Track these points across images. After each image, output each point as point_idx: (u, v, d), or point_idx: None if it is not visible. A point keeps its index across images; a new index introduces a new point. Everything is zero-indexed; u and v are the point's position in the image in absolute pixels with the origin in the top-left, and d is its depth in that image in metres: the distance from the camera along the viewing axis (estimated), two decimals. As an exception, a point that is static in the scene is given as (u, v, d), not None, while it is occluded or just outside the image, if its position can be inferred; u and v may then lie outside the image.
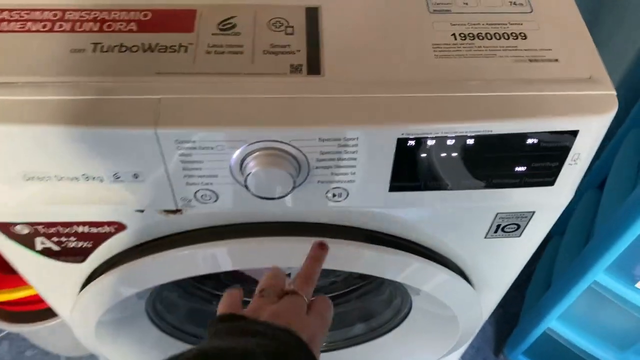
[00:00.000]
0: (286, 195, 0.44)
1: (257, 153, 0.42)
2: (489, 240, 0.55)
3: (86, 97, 0.42)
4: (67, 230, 0.50)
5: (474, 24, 0.47)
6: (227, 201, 0.47)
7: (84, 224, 0.50)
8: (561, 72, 0.44)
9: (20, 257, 0.54)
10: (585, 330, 0.92)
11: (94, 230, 0.50)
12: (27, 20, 0.46)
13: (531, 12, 0.48)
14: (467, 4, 0.49)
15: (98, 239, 0.52)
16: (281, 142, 0.42)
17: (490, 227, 0.53)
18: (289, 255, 0.52)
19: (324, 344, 0.83)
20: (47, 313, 0.98)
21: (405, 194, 0.47)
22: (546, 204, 0.50)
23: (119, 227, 0.50)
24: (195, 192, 0.46)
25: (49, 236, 0.51)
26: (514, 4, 0.49)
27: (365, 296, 0.82)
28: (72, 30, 0.46)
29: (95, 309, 0.58)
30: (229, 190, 0.45)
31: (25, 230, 0.50)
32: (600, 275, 0.77)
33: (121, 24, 0.46)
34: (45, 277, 0.58)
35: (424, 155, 0.44)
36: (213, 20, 0.47)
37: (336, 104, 0.42)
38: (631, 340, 0.88)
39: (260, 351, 0.33)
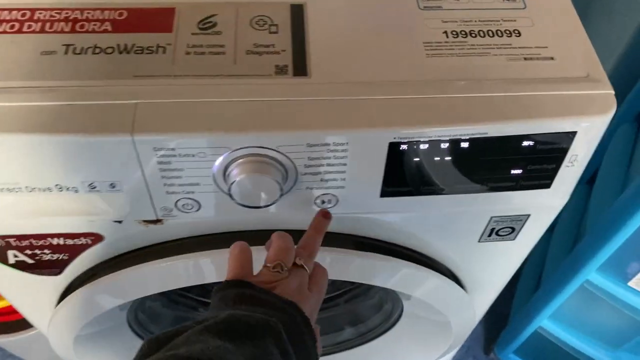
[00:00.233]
0: (273, 203, 0.42)
1: (241, 160, 0.40)
2: (482, 244, 0.53)
3: (57, 103, 0.39)
4: (40, 242, 0.48)
5: (466, 21, 0.45)
6: (210, 210, 0.44)
7: (58, 235, 0.47)
8: (557, 70, 0.43)
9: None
10: (576, 329, 0.91)
11: (70, 242, 0.48)
12: (-8, 21, 0.43)
13: (524, 8, 0.46)
14: (458, 0, 0.47)
15: (74, 251, 0.49)
16: (267, 148, 0.39)
17: (484, 231, 0.51)
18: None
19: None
20: (25, 323, 0.94)
21: (397, 200, 0.45)
22: (542, 207, 0.49)
23: (96, 238, 0.48)
24: (176, 202, 0.43)
25: (21, 249, 0.48)
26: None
27: (354, 300, 0.80)
28: (42, 31, 0.43)
29: (73, 323, 0.55)
30: (211, 198, 0.43)
31: (-4, 244, 0.47)
32: (593, 274, 0.75)
33: (95, 24, 0.44)
34: (19, 290, 0.55)
35: (416, 159, 0.42)
36: (193, 19, 0.44)
37: (324, 106, 0.40)
38: (623, 338, 0.87)
39: (279, 323, 0.34)
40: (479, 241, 0.53)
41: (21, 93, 0.39)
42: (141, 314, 0.69)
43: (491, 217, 0.49)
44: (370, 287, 0.79)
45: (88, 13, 0.44)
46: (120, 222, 0.46)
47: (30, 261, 0.50)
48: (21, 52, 0.41)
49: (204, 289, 0.78)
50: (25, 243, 0.47)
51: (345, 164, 0.41)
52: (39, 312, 0.58)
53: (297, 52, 0.43)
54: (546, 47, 0.44)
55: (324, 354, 0.80)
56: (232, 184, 0.40)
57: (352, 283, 0.81)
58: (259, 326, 0.33)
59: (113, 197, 0.42)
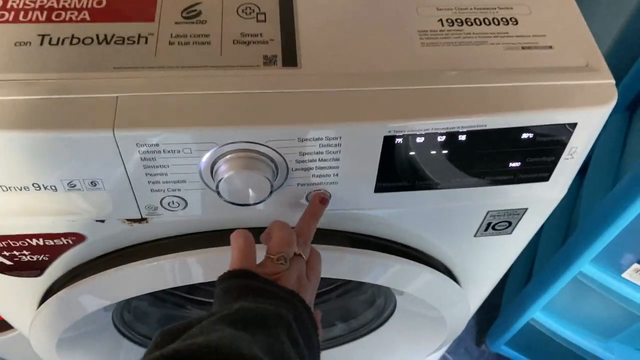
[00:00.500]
0: (263, 201, 0.40)
1: (229, 156, 0.38)
2: (478, 238, 0.52)
3: (33, 97, 0.37)
4: (19, 243, 0.45)
5: (462, 9, 0.44)
6: (197, 208, 0.42)
7: (37, 236, 0.45)
8: (556, 60, 0.41)
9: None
10: (569, 321, 0.91)
11: (50, 242, 0.46)
12: (-38, 10, 0.41)
13: (521, -5, 0.45)
14: (453, -13, 0.45)
15: (55, 252, 0.47)
16: (256, 143, 0.37)
17: (481, 226, 0.50)
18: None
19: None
20: (7, 324, 0.92)
21: (392, 195, 0.43)
22: (539, 200, 0.48)
23: (78, 238, 0.45)
24: (162, 200, 0.41)
25: (-1, 250, 0.46)
26: (503, -14, 0.45)
27: (345, 295, 0.79)
28: (16, 20, 0.41)
29: (55, 326, 0.53)
30: (198, 196, 0.41)
31: (-28, 245, 0.45)
32: (586, 266, 0.75)
33: (72, 13, 0.41)
34: (0, 292, 0.53)
35: (412, 153, 0.40)
36: (176, 7, 0.42)
37: (316, 99, 0.38)
38: (615, 329, 0.87)
39: (290, 315, 0.34)
40: (474, 236, 0.51)
41: (-7, 87, 0.37)
42: (127, 313, 0.67)
43: (488, 212, 0.48)
44: (362, 282, 0.77)
45: (65, 1, 0.42)
46: (102, 221, 0.43)
47: (8, 263, 0.48)
48: (-7, 43, 0.39)
49: (192, 286, 0.77)
50: (2, 244, 0.45)
51: (338, 159, 0.40)
52: (20, 314, 0.56)
53: (287, 42, 0.41)
54: (544, 36, 0.43)
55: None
56: (219, 181, 0.38)
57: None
58: (270, 317, 0.33)
59: (94, 196, 0.40)
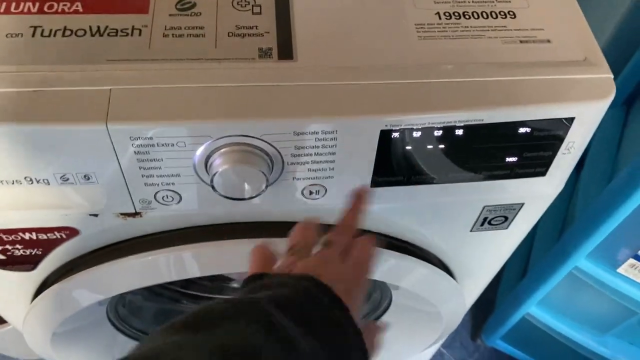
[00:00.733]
0: (258, 195, 0.40)
1: (224, 149, 0.38)
2: (474, 233, 0.52)
3: (25, 90, 0.36)
4: (11, 237, 0.45)
5: (459, 2, 0.43)
6: (191, 202, 0.42)
7: (30, 230, 0.44)
8: (554, 54, 0.41)
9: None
10: (564, 315, 0.91)
11: (43, 236, 0.45)
12: (-48, 0, 0.40)
13: (519, -12, 0.44)
14: (451, -21, 0.44)
15: (48, 246, 0.47)
16: (251, 136, 0.37)
17: (477, 221, 0.50)
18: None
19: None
20: (1, 318, 0.91)
21: (388, 189, 0.43)
22: (536, 195, 0.47)
23: (71, 232, 0.45)
24: (156, 194, 0.41)
25: (-9, 244, 0.46)
26: (501, -21, 0.45)
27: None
28: (7, 11, 0.40)
29: (49, 320, 0.53)
30: (193, 190, 0.41)
31: (-36, 239, 0.45)
32: (582, 261, 0.75)
33: (64, 4, 0.41)
34: (-8, 286, 0.53)
35: (409, 147, 0.40)
36: (170, -1, 0.41)
37: (312, 92, 0.38)
38: (610, 324, 0.87)
39: (267, 299, 0.30)
40: (470, 231, 0.51)
41: (-16, 79, 0.36)
42: (122, 308, 0.67)
43: (484, 207, 0.48)
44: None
45: (57, -8, 0.41)
46: (96, 215, 0.43)
47: (1, 257, 0.47)
48: (-16, 35, 0.38)
49: (187, 281, 0.76)
50: (-6, 238, 0.45)
51: (334, 153, 0.39)
52: (14, 308, 0.56)
53: (282, 34, 0.40)
54: (542, 30, 0.42)
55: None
56: (214, 175, 0.38)
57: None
58: (232, 309, 0.29)
59: (88, 190, 0.40)
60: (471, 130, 0.39)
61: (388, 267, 0.52)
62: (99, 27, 0.40)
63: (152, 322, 0.71)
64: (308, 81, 0.38)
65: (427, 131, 0.39)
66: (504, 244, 0.55)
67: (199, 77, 0.38)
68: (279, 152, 0.39)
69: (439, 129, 0.39)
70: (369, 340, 0.33)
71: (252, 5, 0.42)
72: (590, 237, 0.70)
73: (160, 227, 0.46)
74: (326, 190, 0.43)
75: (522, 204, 0.48)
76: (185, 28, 0.40)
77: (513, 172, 0.44)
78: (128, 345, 0.68)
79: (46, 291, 0.50)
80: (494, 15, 0.43)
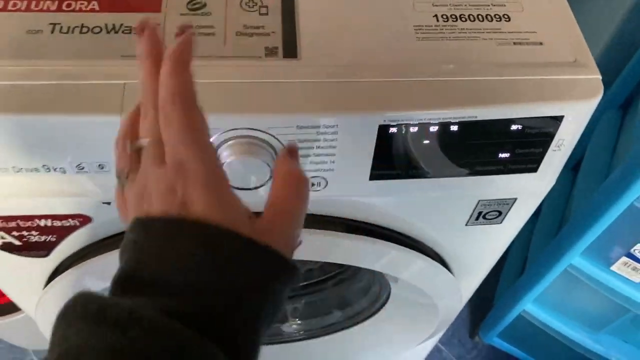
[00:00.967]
0: (263, 185, 0.42)
1: (231, 142, 0.40)
2: (469, 227, 0.54)
3: (44, 82, 0.38)
4: (28, 224, 0.47)
5: (456, 5, 0.45)
6: (199, 192, 0.44)
7: (46, 217, 0.47)
8: (546, 55, 0.43)
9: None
10: (559, 313, 0.93)
11: (57, 223, 0.47)
12: (-23, -2, 0.42)
13: (514, -8, 0.46)
14: (449, -17, 0.47)
15: (62, 233, 0.49)
16: (257, 130, 0.39)
17: (472, 215, 0.52)
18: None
19: (301, 332, 0.82)
20: (12, 307, 0.94)
21: (386, 183, 0.45)
22: (528, 191, 0.49)
23: (84, 219, 0.47)
24: (166, 183, 0.43)
25: (8, 230, 0.48)
26: (497, -16, 0.47)
27: (342, 284, 0.81)
28: (28, 9, 0.42)
29: (62, 305, 0.55)
30: (201, 180, 0.43)
31: (-17, 225, 0.47)
32: (576, 258, 0.77)
33: (82, 3, 0.43)
34: (6, 272, 0.55)
35: (406, 142, 0.42)
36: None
37: (314, 89, 0.40)
38: (604, 321, 0.89)
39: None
40: (466, 225, 0.53)
41: (7, 73, 0.38)
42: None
43: (479, 201, 0.50)
44: (357, 270, 0.79)
45: (75, -8, 0.44)
46: (109, 203, 0.45)
47: (17, 243, 0.50)
48: (6, 31, 0.41)
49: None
50: (12, 224, 0.47)
51: (334, 147, 0.42)
52: (27, 294, 0.58)
53: (287, 34, 0.43)
54: (535, 32, 0.44)
55: (310, 337, 0.81)
56: (222, 164, 0.40)
57: (340, 266, 0.81)
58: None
59: (101, 178, 0.42)
60: (465, 126, 0.41)
61: (389, 258, 0.54)
62: (114, 24, 0.42)
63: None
64: (311, 78, 0.40)
65: (424, 127, 0.41)
66: (498, 238, 0.57)
67: (208, 73, 0.40)
68: (282, 144, 0.41)
69: (434, 125, 0.41)
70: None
71: (259, 6, 0.44)
72: (584, 235, 0.72)
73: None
74: (327, 183, 0.45)
75: (515, 199, 0.50)
76: (195, 27, 0.42)
77: (506, 168, 0.46)
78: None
79: (59, 276, 0.52)
80: (489, 19, 0.45)
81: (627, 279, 0.75)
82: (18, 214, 0.46)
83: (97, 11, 0.43)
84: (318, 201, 0.48)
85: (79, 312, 0.24)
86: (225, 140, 0.40)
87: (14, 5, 0.42)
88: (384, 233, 0.54)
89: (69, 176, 0.42)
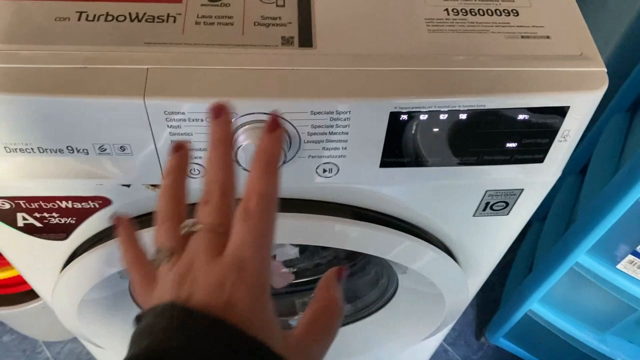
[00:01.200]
0: (277, 169, 0.43)
1: (247, 126, 0.41)
2: (477, 218, 0.55)
3: (71, 66, 0.40)
4: (49, 205, 0.49)
5: (467, 0, 0.47)
6: (215, 176, 0.46)
7: (67, 198, 0.48)
8: (552, 48, 0.44)
9: (1, 234, 0.53)
10: (565, 312, 0.94)
11: (78, 205, 0.49)
12: (8, -13, 0.44)
13: (523, -11, 0.48)
14: (459, -21, 0.48)
15: (82, 215, 0.51)
16: (272, 114, 0.41)
17: (479, 205, 0.53)
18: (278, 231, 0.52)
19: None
20: (25, 297, 0.96)
21: (396, 170, 0.47)
22: (535, 182, 0.51)
23: (104, 202, 0.49)
24: (184, 166, 0.45)
25: (30, 211, 0.50)
26: (506, -20, 0.49)
27: (351, 277, 0.82)
28: (57, -2, 0.44)
29: (78, 288, 0.57)
30: (218, 164, 0.45)
31: (7, 206, 0.49)
32: (582, 256, 0.78)
33: (107, -7, 0.45)
34: (26, 255, 0.57)
35: (416, 130, 0.43)
36: (202, -9, 0.46)
37: (328, 76, 0.41)
38: (610, 321, 0.89)
39: None
40: (473, 215, 0.54)
41: (36, 57, 0.40)
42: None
43: (486, 191, 0.51)
44: (366, 264, 0.81)
45: (101, -18, 0.46)
46: (128, 186, 0.47)
47: (38, 224, 0.51)
48: (37, 18, 0.43)
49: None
50: (34, 205, 0.49)
51: (347, 133, 0.43)
52: (44, 277, 0.60)
53: (303, 25, 0.44)
54: (542, 27, 0.46)
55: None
56: (238, 148, 0.41)
57: (350, 261, 0.83)
58: None
59: (123, 160, 0.44)
60: (474, 115, 0.43)
61: (402, 248, 0.55)
62: (137, 13, 0.44)
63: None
64: (325, 66, 0.42)
65: (433, 115, 0.42)
66: (505, 231, 0.59)
67: (227, 60, 0.42)
68: (297, 130, 0.42)
69: (444, 113, 0.42)
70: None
71: (277, -2, 0.46)
72: (590, 233, 0.73)
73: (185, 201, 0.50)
74: (338, 169, 0.46)
75: (522, 190, 0.51)
76: (215, 17, 0.44)
77: (513, 158, 0.47)
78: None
79: (76, 259, 0.54)
80: (498, 13, 0.46)
81: (633, 277, 0.76)
82: (40, 194, 0.48)
83: (122, 1, 0.45)
84: (329, 188, 0.50)
85: None
86: (242, 125, 0.41)
87: (43, -6, 0.44)
88: (394, 222, 0.55)
89: (91, 157, 0.44)
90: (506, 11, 0.47)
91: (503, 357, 1.17)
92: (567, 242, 0.79)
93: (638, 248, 0.71)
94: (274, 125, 0.31)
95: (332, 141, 0.44)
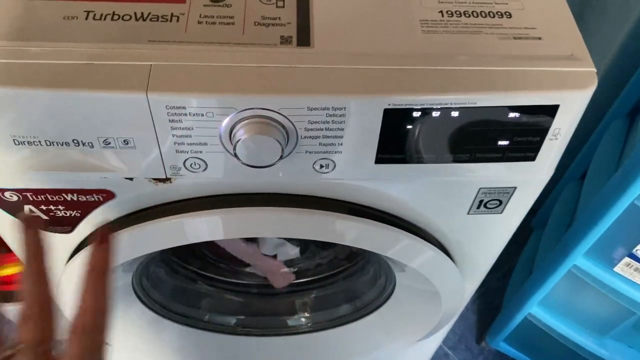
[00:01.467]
0: (274, 163, 0.45)
1: (246, 121, 0.43)
2: (471, 216, 0.56)
3: (77, 62, 0.42)
4: (55, 197, 0.51)
5: (461, 2, 0.48)
6: (216, 170, 0.47)
7: (72, 191, 0.50)
8: (544, 49, 0.46)
9: (8, 226, 0.55)
10: (565, 316, 0.94)
11: (83, 198, 0.51)
12: (19, -13, 0.46)
13: (516, -8, 0.49)
14: (454, -18, 0.50)
15: (86, 208, 0.52)
16: (270, 110, 0.42)
17: (473, 203, 0.54)
18: (277, 225, 0.53)
19: (309, 325, 0.84)
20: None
21: (391, 167, 0.48)
22: (527, 180, 0.52)
23: (108, 195, 0.51)
24: (185, 161, 0.46)
25: (37, 204, 0.51)
26: (500, -16, 0.50)
27: (350, 277, 0.83)
28: (66, -2, 0.46)
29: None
30: (218, 158, 0.46)
31: (14, 198, 0.50)
32: (580, 259, 0.78)
33: (114, -7, 0.47)
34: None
35: (410, 127, 0.45)
36: (205, -8, 0.47)
37: (325, 74, 0.43)
38: (609, 325, 0.90)
39: None
40: (468, 213, 0.55)
41: (44, 53, 0.42)
42: (145, 279, 0.72)
43: (479, 189, 0.52)
44: (365, 263, 0.82)
45: (108, -17, 0.47)
46: (131, 179, 0.49)
47: (44, 217, 0.53)
48: (45, 17, 0.45)
49: (204, 262, 0.82)
50: (41, 198, 0.51)
51: (342, 129, 0.44)
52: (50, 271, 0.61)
53: (301, 25, 0.46)
54: (535, 28, 0.47)
55: (319, 329, 0.83)
56: (237, 142, 0.43)
57: (350, 260, 0.84)
58: None
59: (126, 154, 0.46)
60: (466, 112, 0.44)
61: (401, 246, 0.57)
62: (142, 13, 0.46)
63: (169, 296, 0.76)
64: (322, 64, 0.43)
65: (426, 112, 0.44)
66: (499, 229, 0.60)
67: (227, 57, 0.43)
68: (294, 126, 0.44)
69: (436, 110, 0.43)
70: None
71: (277, 0, 0.47)
72: (587, 235, 0.74)
73: (187, 195, 0.52)
74: (335, 165, 0.48)
75: (515, 188, 0.52)
76: (217, 17, 0.46)
77: (505, 156, 0.48)
78: (144, 315, 0.74)
79: (81, 251, 0.55)
80: (492, 15, 0.48)
81: (630, 280, 0.77)
82: (47, 187, 0.50)
83: (128, 1, 0.46)
84: (326, 182, 0.51)
85: None
86: (241, 120, 0.43)
87: (53, -6, 0.46)
88: (395, 221, 0.56)
89: (96, 150, 0.45)
90: (499, 13, 0.48)
91: (503, 361, 1.17)
92: (565, 245, 0.80)
93: (634, 250, 0.72)
94: (103, 238, 0.33)
95: (328, 137, 0.45)
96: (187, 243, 0.54)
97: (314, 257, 0.85)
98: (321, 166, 0.48)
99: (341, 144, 0.46)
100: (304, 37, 0.45)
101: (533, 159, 0.49)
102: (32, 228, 0.34)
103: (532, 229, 1.26)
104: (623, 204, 0.67)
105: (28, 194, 0.50)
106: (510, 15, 0.48)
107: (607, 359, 0.93)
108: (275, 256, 0.82)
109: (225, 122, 0.43)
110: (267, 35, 0.45)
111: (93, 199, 0.51)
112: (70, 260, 0.56)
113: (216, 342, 0.82)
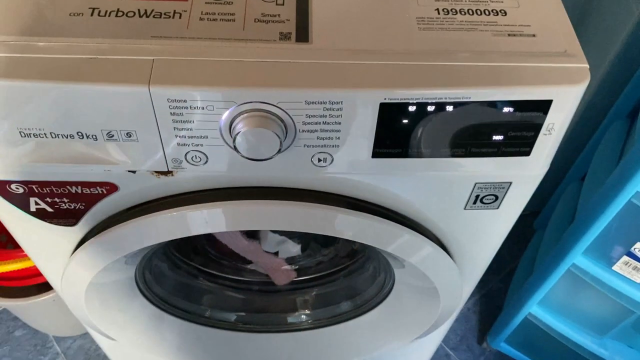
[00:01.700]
0: (273, 156, 0.46)
1: (245, 114, 0.44)
2: (468, 211, 0.57)
3: (82, 56, 0.43)
4: (60, 190, 0.52)
5: (457, 1, 0.49)
6: (216, 163, 0.48)
7: (76, 184, 0.51)
8: (538, 46, 0.47)
9: (15, 219, 0.56)
10: (564, 316, 0.95)
11: (87, 190, 0.52)
12: (27, -16, 0.48)
13: (511, -10, 0.50)
14: (450, -19, 0.51)
15: (90, 201, 0.53)
16: (268, 103, 0.44)
17: (470, 198, 0.55)
18: (277, 218, 0.54)
19: (309, 322, 0.85)
20: (37, 289, 0.99)
21: (387, 161, 0.49)
22: (522, 175, 0.53)
23: (112, 187, 0.52)
24: (186, 154, 0.48)
25: (42, 196, 0.53)
26: (496, -18, 0.51)
27: (351, 275, 0.84)
28: (71, -5, 0.47)
29: (85, 271, 0.60)
30: (218, 152, 0.47)
31: (20, 190, 0.52)
32: (579, 257, 0.79)
33: (118, -9, 0.48)
34: (37, 241, 0.60)
35: (405, 121, 0.46)
36: (207, -10, 0.49)
37: (322, 69, 0.44)
38: (608, 325, 0.90)
39: None
40: (464, 208, 0.56)
41: (50, 48, 0.44)
42: (148, 273, 0.74)
43: (475, 184, 0.53)
44: (365, 260, 0.83)
45: (113, -19, 0.49)
46: (134, 172, 0.50)
47: (49, 209, 0.54)
48: (52, 13, 0.46)
49: (206, 258, 0.83)
50: (46, 190, 0.52)
51: (339, 123, 0.45)
52: (55, 265, 0.63)
53: (300, 22, 0.47)
54: (529, 26, 0.48)
55: (319, 327, 0.83)
56: (236, 135, 0.44)
57: (350, 258, 0.85)
58: None
59: (129, 147, 0.47)
60: (460, 107, 0.45)
61: (401, 241, 0.57)
62: (146, 10, 0.47)
63: (171, 291, 0.77)
64: (320, 59, 0.44)
65: (421, 106, 0.45)
66: (496, 225, 0.60)
67: (228, 53, 0.44)
68: (292, 119, 0.45)
69: (431, 104, 0.44)
70: None
71: (276, -3, 0.49)
72: (585, 233, 0.75)
73: (188, 188, 0.53)
74: (332, 159, 0.49)
75: (510, 183, 0.53)
76: (218, 14, 0.47)
77: (500, 151, 0.49)
78: (146, 309, 0.75)
79: (85, 244, 0.56)
80: (487, 13, 0.49)
81: (628, 279, 0.77)
82: (52, 179, 0.51)
83: (132, -2, 0.48)
84: (324, 176, 0.52)
85: None
86: (240, 113, 0.44)
87: (59, -9, 0.48)
88: (393, 216, 0.57)
89: (99, 143, 0.46)
90: (494, 11, 0.49)
91: (504, 362, 1.17)
92: (564, 245, 0.81)
93: (632, 249, 0.73)
94: None
95: (326, 131, 0.46)
96: (189, 235, 0.55)
97: (315, 254, 0.85)
98: (319, 160, 0.49)
99: (338, 138, 0.47)
100: (302, 34, 0.46)
101: (528, 153, 0.49)
102: None
103: (534, 229, 1.27)
104: (621, 201, 0.67)
105: (34, 186, 0.52)
106: (505, 13, 0.49)
107: (607, 359, 0.93)
108: (276, 253, 0.83)
109: (225, 115, 0.44)
110: (267, 31, 0.46)
111: (97, 192, 0.52)
112: (74, 253, 0.58)
113: (217, 337, 0.83)
